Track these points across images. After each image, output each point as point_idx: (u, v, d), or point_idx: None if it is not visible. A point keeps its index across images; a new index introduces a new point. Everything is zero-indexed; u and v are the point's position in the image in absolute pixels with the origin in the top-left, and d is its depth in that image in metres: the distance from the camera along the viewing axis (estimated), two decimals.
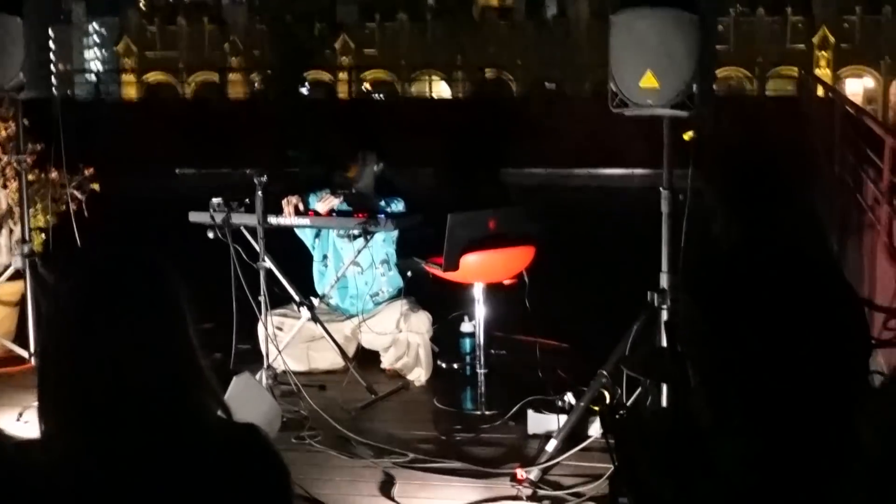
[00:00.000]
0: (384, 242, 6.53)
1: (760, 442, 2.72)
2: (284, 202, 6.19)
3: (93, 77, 44.03)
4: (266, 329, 5.98)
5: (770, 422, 2.75)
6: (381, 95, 38.74)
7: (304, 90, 20.33)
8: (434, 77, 44.98)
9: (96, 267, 2.05)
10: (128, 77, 48.65)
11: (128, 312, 1.97)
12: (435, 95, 37.31)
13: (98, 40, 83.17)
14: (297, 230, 6.56)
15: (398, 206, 6.40)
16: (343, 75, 38.44)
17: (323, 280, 6.67)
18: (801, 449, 2.70)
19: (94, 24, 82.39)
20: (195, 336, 2.03)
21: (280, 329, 6.30)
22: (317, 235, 6.67)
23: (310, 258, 6.73)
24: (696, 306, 3.11)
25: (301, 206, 6.25)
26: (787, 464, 2.70)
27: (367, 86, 41.98)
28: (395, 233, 6.43)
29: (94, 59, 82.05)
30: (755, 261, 3.11)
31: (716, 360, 2.91)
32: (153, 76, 49.36)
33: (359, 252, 6.32)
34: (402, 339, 6.44)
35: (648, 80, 5.05)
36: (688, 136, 5.19)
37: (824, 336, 2.85)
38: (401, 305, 6.44)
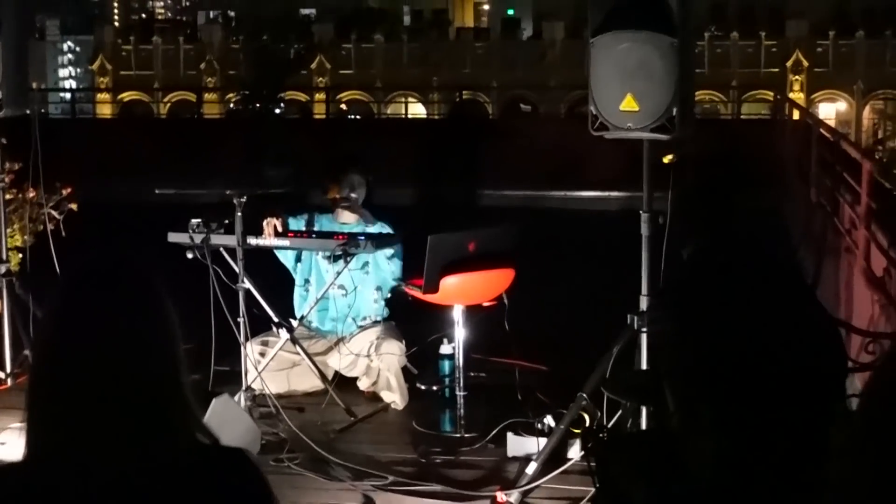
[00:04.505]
0: (383, 269, 6.50)
1: (729, 442, 2.75)
2: (265, 223, 6.15)
3: (67, 95, 43.79)
4: (245, 349, 5.95)
5: (738, 422, 2.78)
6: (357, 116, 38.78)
7: (278, 110, 20.26)
8: (410, 98, 45.03)
9: (83, 275, 1.98)
10: (103, 96, 48.50)
11: (116, 322, 1.91)
12: (410, 115, 37.33)
13: (72, 58, 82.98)
14: (278, 254, 6.52)
15: (384, 230, 6.41)
16: (319, 95, 38.39)
17: (304, 305, 6.63)
18: (769, 449, 2.72)
19: (69, 42, 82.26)
20: (182, 352, 2.00)
21: (262, 357, 6.24)
22: (298, 259, 6.64)
23: (293, 282, 6.70)
24: (665, 310, 3.14)
25: (280, 227, 6.21)
26: (755, 463, 2.72)
27: (343, 106, 42.00)
28: (400, 263, 6.39)
29: (67, 77, 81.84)
30: (716, 264, 3.14)
31: (683, 363, 2.93)
32: (128, 95, 49.19)
33: (338, 274, 6.27)
34: (374, 366, 6.40)
35: (629, 104, 5.07)
36: (667, 159, 5.20)
37: (785, 334, 2.87)
38: (375, 332, 6.41)
